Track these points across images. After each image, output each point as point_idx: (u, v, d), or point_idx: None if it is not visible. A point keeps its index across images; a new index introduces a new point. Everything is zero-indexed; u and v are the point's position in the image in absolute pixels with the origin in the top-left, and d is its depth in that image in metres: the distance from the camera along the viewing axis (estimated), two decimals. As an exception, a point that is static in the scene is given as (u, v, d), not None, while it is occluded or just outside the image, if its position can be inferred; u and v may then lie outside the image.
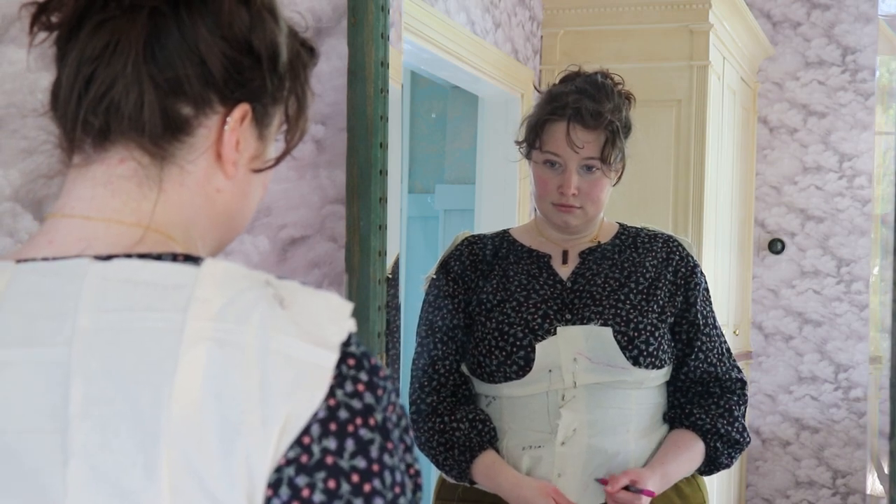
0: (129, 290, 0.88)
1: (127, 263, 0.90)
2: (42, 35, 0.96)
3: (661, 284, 2.07)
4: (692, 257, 2.13)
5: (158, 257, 0.91)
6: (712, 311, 2.13)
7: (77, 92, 0.93)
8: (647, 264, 2.09)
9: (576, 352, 1.99)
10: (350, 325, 0.89)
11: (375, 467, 0.86)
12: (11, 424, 0.87)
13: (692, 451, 2.07)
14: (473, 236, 2.18)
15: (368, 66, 1.98)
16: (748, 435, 2.10)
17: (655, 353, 2.01)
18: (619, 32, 3.86)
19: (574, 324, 2.01)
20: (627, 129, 2.09)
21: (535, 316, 2.03)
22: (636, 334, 2.00)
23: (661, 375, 2.05)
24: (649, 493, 1.97)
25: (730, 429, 2.07)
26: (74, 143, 0.95)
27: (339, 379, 0.86)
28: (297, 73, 1.01)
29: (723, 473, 4.35)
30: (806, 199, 4.77)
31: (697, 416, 2.07)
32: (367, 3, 1.97)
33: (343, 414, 0.85)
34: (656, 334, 2.02)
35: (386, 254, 2.02)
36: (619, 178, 2.11)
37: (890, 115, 4.91)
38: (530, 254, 2.12)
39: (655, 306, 2.04)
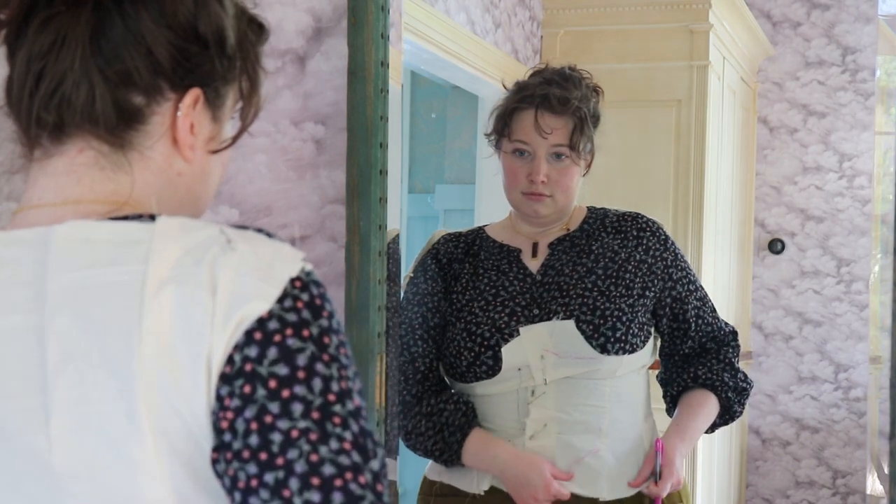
0: (89, 249, 0.90)
1: (84, 224, 0.92)
2: None
3: (630, 266, 2.05)
4: (662, 231, 2.11)
5: (123, 219, 0.93)
6: (694, 276, 2.12)
7: (28, 89, 0.95)
8: (616, 246, 2.08)
9: (542, 349, 1.99)
10: (303, 266, 0.90)
11: (301, 374, 0.85)
12: None
13: (707, 405, 2.09)
14: (448, 234, 2.18)
15: (368, 66, 1.98)
16: (751, 381, 2.13)
17: (624, 338, 1.99)
18: (619, 32, 3.86)
19: (541, 320, 2.01)
20: (596, 118, 2.09)
21: (503, 315, 2.03)
22: (601, 322, 1.99)
23: (635, 360, 2.02)
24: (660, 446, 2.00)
25: (735, 380, 2.10)
26: (31, 138, 0.97)
27: (281, 297, 0.88)
28: (247, 52, 1.02)
29: (723, 473, 4.35)
30: (806, 199, 4.77)
31: (702, 373, 2.09)
32: (367, 3, 1.97)
33: (272, 325, 0.86)
34: (623, 319, 2.00)
35: (386, 254, 2.01)
36: (589, 168, 2.11)
37: (890, 115, 4.91)
38: (501, 249, 2.12)
39: (623, 290, 2.03)
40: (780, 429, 4.77)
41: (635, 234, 2.09)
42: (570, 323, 1.99)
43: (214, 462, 0.86)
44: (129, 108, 0.96)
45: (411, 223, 4.16)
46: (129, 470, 0.85)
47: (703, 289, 2.14)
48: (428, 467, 2.14)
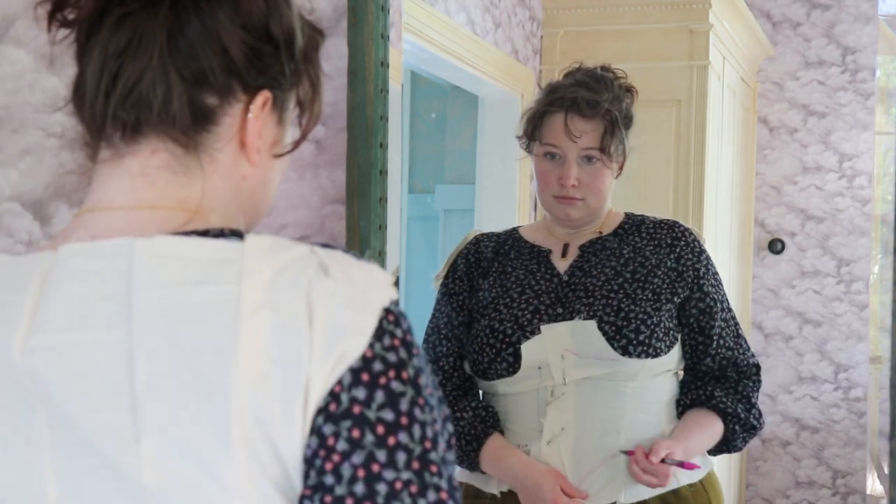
0: (178, 266, 0.89)
1: (171, 240, 0.91)
2: (57, 32, 0.96)
3: (659, 272, 2.04)
4: (698, 243, 2.10)
5: (204, 233, 0.92)
6: (725, 296, 2.11)
7: (105, 87, 0.93)
8: (648, 252, 2.07)
9: (563, 349, 1.98)
10: (393, 294, 0.90)
11: (404, 420, 0.86)
12: (80, 407, 0.88)
13: (712, 429, 2.05)
14: (482, 234, 2.19)
15: (368, 66, 1.98)
16: (763, 420, 2.09)
17: (647, 341, 1.97)
18: (619, 32, 3.86)
19: (564, 319, 2.00)
20: (628, 120, 2.08)
21: (525, 312, 2.02)
22: (625, 323, 1.97)
23: (658, 365, 2.01)
24: (690, 466, 1.96)
25: (748, 414, 2.06)
26: (103, 138, 0.96)
27: (379, 333, 0.87)
28: (310, 56, 1.02)
29: (723, 473, 4.35)
30: (806, 199, 4.78)
31: (719, 398, 2.05)
32: (367, 3, 1.98)
33: (377, 366, 0.86)
34: (648, 322, 1.98)
35: (386, 254, 2.02)
36: (621, 170, 2.10)
37: (890, 115, 4.91)
38: (532, 249, 2.12)
39: (650, 294, 2.01)
40: (780, 429, 4.77)
41: (669, 241, 2.08)
42: (592, 323, 1.98)
43: (304, 498, 0.86)
44: (204, 108, 0.95)
45: (411, 223, 4.16)
46: (222, 491, 0.85)
47: (732, 312, 2.11)
48: (457, 470, 2.14)
